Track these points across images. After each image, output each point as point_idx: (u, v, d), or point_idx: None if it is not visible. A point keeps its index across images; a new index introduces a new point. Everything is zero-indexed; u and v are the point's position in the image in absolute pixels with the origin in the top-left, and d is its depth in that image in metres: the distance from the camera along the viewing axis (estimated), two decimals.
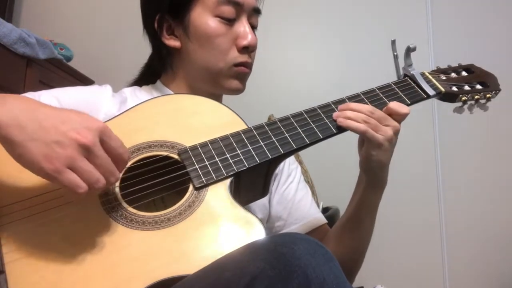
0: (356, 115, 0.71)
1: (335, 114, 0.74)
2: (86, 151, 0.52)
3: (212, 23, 0.81)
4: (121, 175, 0.60)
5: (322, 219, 0.91)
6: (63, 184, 0.51)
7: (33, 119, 0.51)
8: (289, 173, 0.93)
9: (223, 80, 0.83)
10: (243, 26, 0.82)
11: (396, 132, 0.73)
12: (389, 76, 0.87)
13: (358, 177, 0.80)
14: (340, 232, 0.83)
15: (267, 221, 0.90)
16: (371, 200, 0.78)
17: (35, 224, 0.56)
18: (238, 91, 0.86)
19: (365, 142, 0.73)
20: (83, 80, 1.72)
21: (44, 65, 1.47)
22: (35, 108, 0.53)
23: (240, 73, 0.84)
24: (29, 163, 0.51)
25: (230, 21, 0.82)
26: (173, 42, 0.84)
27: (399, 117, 0.74)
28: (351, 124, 0.71)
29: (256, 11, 0.86)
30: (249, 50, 0.84)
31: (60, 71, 1.59)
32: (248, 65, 0.85)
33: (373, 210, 0.79)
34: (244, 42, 0.82)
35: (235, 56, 0.82)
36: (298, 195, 0.91)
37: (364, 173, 0.77)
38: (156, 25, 0.84)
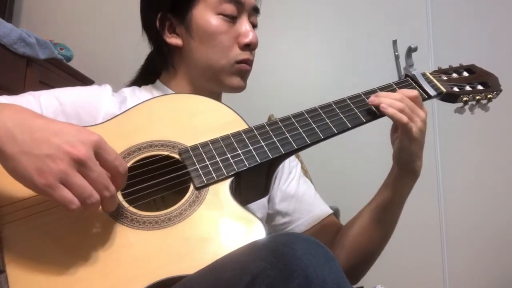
0: (392, 103, 0.71)
1: (371, 99, 0.73)
2: (80, 165, 0.50)
3: (214, 21, 0.81)
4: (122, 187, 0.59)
5: (327, 210, 0.91)
6: (55, 200, 0.50)
7: (25, 131, 0.50)
8: (290, 171, 0.94)
9: (225, 78, 0.84)
10: (244, 24, 0.84)
11: (424, 120, 0.72)
12: (390, 77, 0.86)
13: (391, 168, 0.79)
14: (367, 223, 0.82)
15: (272, 220, 0.91)
16: (403, 191, 0.78)
17: (36, 223, 0.56)
18: (239, 88, 0.86)
19: (401, 133, 0.72)
20: (83, 80, 1.72)
21: (44, 65, 1.47)
22: (27, 119, 0.52)
23: (242, 70, 0.84)
24: (21, 176, 0.50)
25: (232, 19, 0.83)
26: (175, 40, 0.84)
27: (416, 103, 0.73)
28: (394, 114, 0.70)
29: (256, 11, 0.87)
30: (250, 48, 0.84)
31: (60, 71, 1.58)
32: (250, 63, 0.86)
33: (403, 201, 0.79)
34: (246, 40, 0.83)
35: (237, 53, 0.83)
36: (300, 190, 0.92)
37: (397, 164, 0.77)
38: (158, 23, 0.84)
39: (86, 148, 0.51)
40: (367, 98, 0.76)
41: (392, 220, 0.81)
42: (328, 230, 0.88)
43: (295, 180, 0.93)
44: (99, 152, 0.52)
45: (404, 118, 0.70)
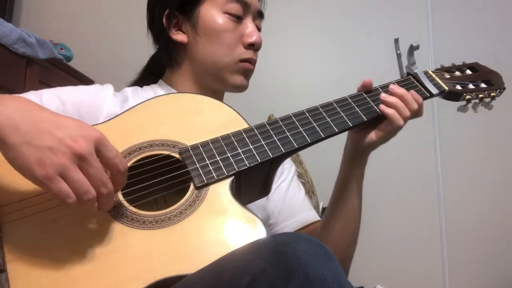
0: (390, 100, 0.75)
1: (382, 95, 0.76)
2: (80, 159, 0.50)
3: (220, 19, 0.83)
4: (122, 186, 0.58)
5: (314, 217, 0.91)
6: (52, 192, 0.50)
7: (29, 122, 0.50)
8: (282, 172, 0.93)
9: (228, 76, 0.85)
10: (249, 24, 0.86)
11: (415, 111, 0.76)
12: (391, 75, 0.86)
13: (344, 156, 0.81)
14: (328, 216, 0.82)
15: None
16: (356, 176, 0.80)
17: (37, 223, 0.56)
18: (242, 87, 0.87)
19: (387, 124, 0.74)
20: (83, 80, 1.72)
21: (44, 65, 1.47)
22: (32, 111, 0.52)
23: (246, 69, 0.85)
24: (21, 166, 0.50)
25: (237, 19, 0.84)
26: (180, 37, 0.86)
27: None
28: (384, 109, 0.74)
29: (260, 15, 0.89)
30: (254, 47, 0.86)
31: (60, 71, 1.58)
32: (253, 62, 0.87)
33: (358, 187, 0.80)
34: (251, 40, 0.84)
35: (241, 52, 0.84)
36: (289, 193, 0.91)
37: (356, 151, 0.79)
38: (165, 20, 0.86)
39: (87, 143, 0.51)
40: (369, 97, 0.77)
41: (352, 208, 0.81)
42: (312, 236, 0.87)
43: (286, 182, 0.92)
44: (99, 149, 0.53)
45: (395, 115, 0.73)
